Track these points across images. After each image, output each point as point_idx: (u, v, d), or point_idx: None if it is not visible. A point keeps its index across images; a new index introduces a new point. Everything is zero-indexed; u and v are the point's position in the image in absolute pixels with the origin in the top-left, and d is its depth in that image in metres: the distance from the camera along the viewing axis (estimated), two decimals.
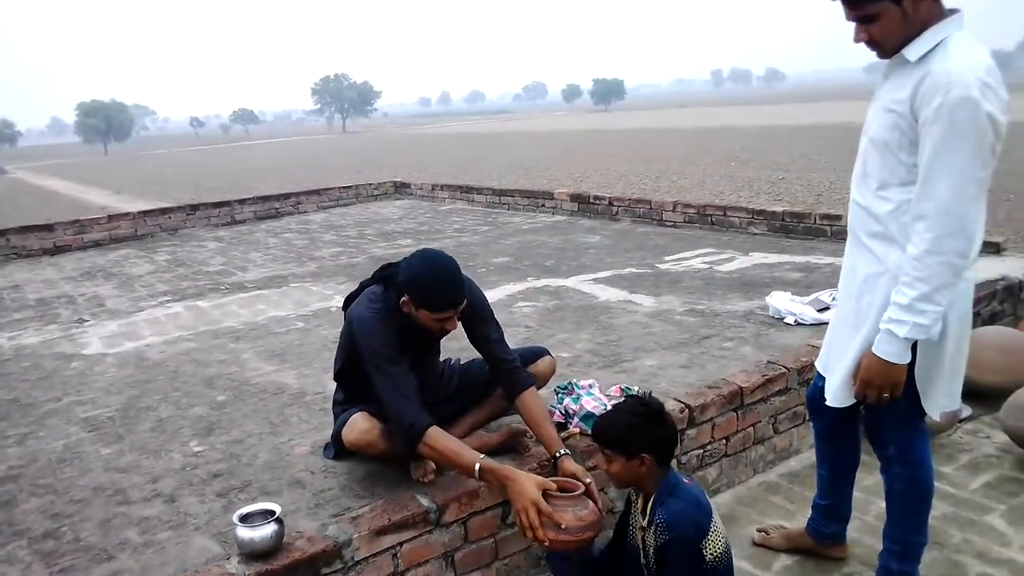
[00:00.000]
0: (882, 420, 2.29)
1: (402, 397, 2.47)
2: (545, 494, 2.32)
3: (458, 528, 2.52)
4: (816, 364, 2.51)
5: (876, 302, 2.13)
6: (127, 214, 9.86)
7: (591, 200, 8.62)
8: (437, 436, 2.43)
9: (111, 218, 9.65)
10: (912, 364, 2.13)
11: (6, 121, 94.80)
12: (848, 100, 65.51)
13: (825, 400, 2.37)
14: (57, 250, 8.94)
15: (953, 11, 2.00)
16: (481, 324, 2.76)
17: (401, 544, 2.40)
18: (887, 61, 2.11)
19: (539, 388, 2.89)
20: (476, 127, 73.22)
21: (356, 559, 2.30)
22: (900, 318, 2.01)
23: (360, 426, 2.55)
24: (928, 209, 1.95)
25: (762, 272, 5.44)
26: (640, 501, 2.34)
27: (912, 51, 1.99)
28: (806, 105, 59.20)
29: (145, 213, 9.95)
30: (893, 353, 2.05)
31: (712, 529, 2.20)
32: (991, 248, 5.21)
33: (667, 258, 6.12)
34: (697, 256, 6.11)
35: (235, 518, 2.21)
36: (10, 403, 3.86)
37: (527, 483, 2.32)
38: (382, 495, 2.57)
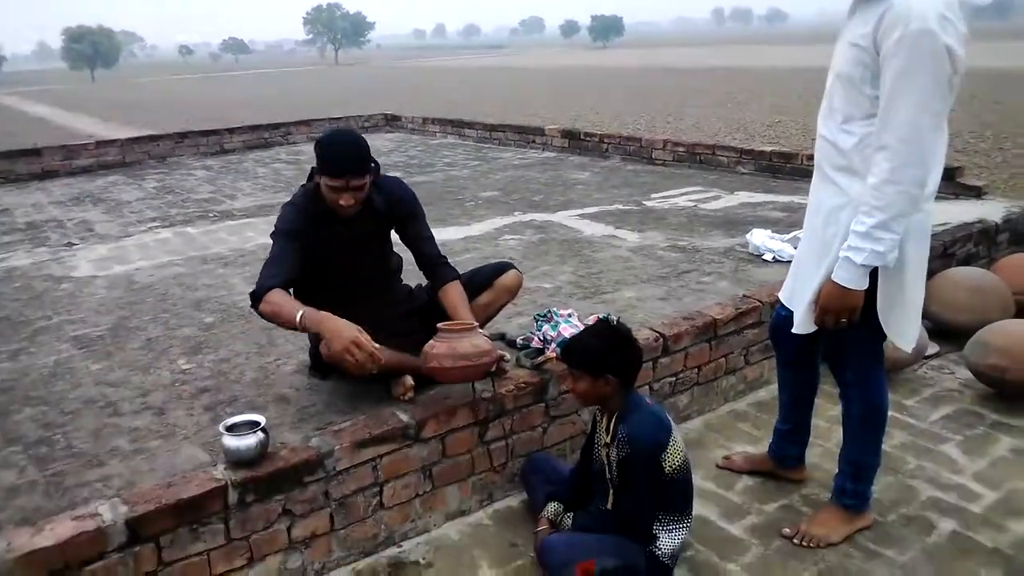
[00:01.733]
0: (843, 347, 2.40)
1: (272, 264, 2.62)
2: (439, 330, 2.53)
3: (436, 444, 2.64)
4: (780, 296, 2.60)
5: (840, 233, 2.21)
6: (115, 141, 9.79)
7: (582, 137, 8.60)
8: (277, 295, 2.53)
9: (99, 144, 9.58)
10: (874, 295, 2.23)
11: None
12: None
13: (786, 330, 2.47)
14: (45, 175, 8.90)
15: None
16: (412, 222, 2.91)
17: (381, 457, 2.51)
18: (851, 1, 2.16)
19: (504, 304, 3.08)
20: (471, 62, 71.96)
21: (338, 469, 2.42)
22: (858, 245, 2.10)
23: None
24: (888, 139, 2.02)
25: (746, 211, 5.50)
26: (604, 420, 2.46)
27: None
28: (808, 47, 58.28)
29: (133, 140, 9.88)
30: (850, 279, 2.14)
31: (671, 444, 2.32)
32: (971, 192, 5.28)
33: (654, 195, 6.17)
34: (683, 194, 6.16)
35: (221, 428, 2.32)
36: (1, 321, 3.94)
37: (340, 323, 2.43)
38: (364, 411, 2.67)
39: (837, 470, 2.60)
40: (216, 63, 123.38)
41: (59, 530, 2.04)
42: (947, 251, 4.35)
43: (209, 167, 9.13)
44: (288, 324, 2.53)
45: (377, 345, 2.43)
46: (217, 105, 28.71)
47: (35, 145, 10.09)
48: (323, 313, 2.51)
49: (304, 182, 2.81)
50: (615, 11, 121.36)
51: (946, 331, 4.01)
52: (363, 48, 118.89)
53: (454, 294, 2.85)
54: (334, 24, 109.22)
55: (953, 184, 5.34)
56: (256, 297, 2.56)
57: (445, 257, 2.97)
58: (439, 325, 2.61)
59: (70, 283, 4.59)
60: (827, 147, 2.26)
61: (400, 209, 2.86)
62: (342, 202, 2.64)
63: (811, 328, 2.36)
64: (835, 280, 2.17)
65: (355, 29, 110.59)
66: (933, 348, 3.89)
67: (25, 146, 10.14)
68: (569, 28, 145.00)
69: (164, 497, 2.17)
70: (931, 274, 4.14)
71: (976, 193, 5.26)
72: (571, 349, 2.44)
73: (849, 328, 2.24)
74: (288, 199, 2.81)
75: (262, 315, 2.58)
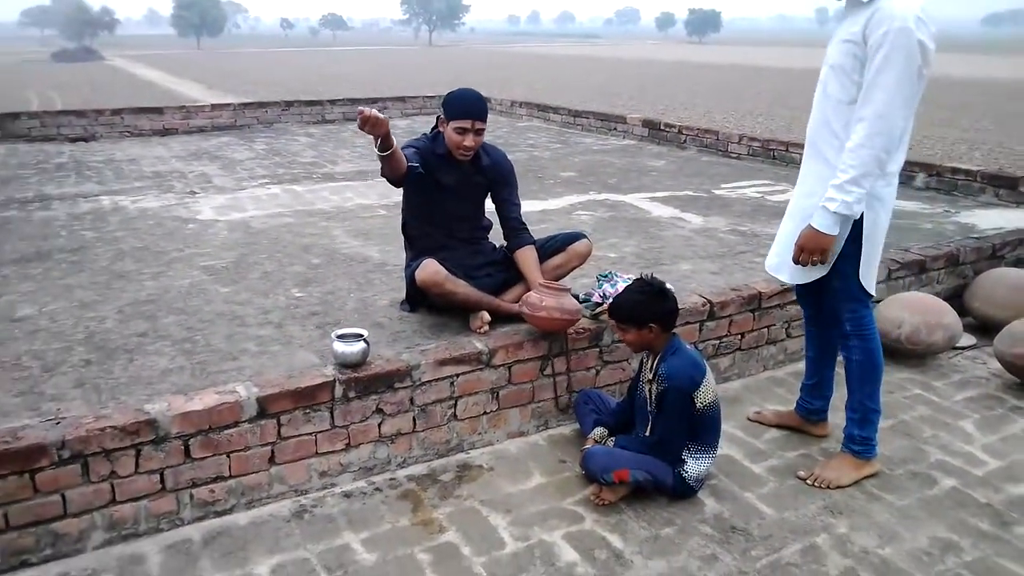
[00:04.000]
0: (837, 301, 2.84)
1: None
2: (544, 287, 3.05)
3: (504, 371, 3.12)
4: (766, 265, 3.07)
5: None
6: (228, 105, 10.63)
7: (662, 127, 8.94)
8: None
9: (214, 107, 10.43)
10: (858, 254, 2.70)
11: (106, 9, 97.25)
12: (959, 52, 61.92)
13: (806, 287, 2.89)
14: (165, 132, 9.77)
15: None
16: (505, 187, 3.44)
17: (458, 375, 3.01)
18: (842, 8, 2.64)
19: (575, 267, 3.54)
20: (564, 50, 72.09)
21: (422, 380, 2.93)
22: (833, 196, 2.56)
23: (430, 268, 3.14)
24: (867, 113, 2.49)
25: None
26: (650, 361, 2.89)
27: None
28: None
29: (244, 105, 10.70)
30: (825, 224, 2.60)
31: (704, 383, 2.74)
32: None
33: (724, 185, 6.50)
34: (752, 186, 6.48)
35: (333, 335, 2.85)
36: (142, 249, 4.61)
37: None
38: (446, 338, 3.17)
39: (845, 421, 2.97)
40: (315, 37, 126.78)
41: (206, 399, 2.61)
42: (996, 252, 4.58)
43: (311, 134, 9.83)
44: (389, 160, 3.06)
45: None
46: (315, 78, 29.86)
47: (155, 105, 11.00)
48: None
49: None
50: (713, 5, 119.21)
51: (986, 326, 4.26)
52: (457, 31, 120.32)
53: (529, 257, 3.37)
54: (430, 5, 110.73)
55: (1015, 193, 5.51)
56: None
57: (526, 225, 3.48)
58: (541, 283, 3.14)
59: (196, 224, 5.25)
60: (820, 126, 2.71)
61: (500, 172, 3.40)
62: (466, 142, 3.17)
63: (806, 277, 2.80)
64: (812, 224, 2.63)
65: (450, 11, 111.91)
66: (969, 340, 4.16)
67: (140, 105, 11.08)
68: (665, 21, 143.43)
69: (286, 384, 2.71)
70: (977, 272, 4.42)
71: None
72: (617, 307, 2.89)
73: (840, 283, 2.73)
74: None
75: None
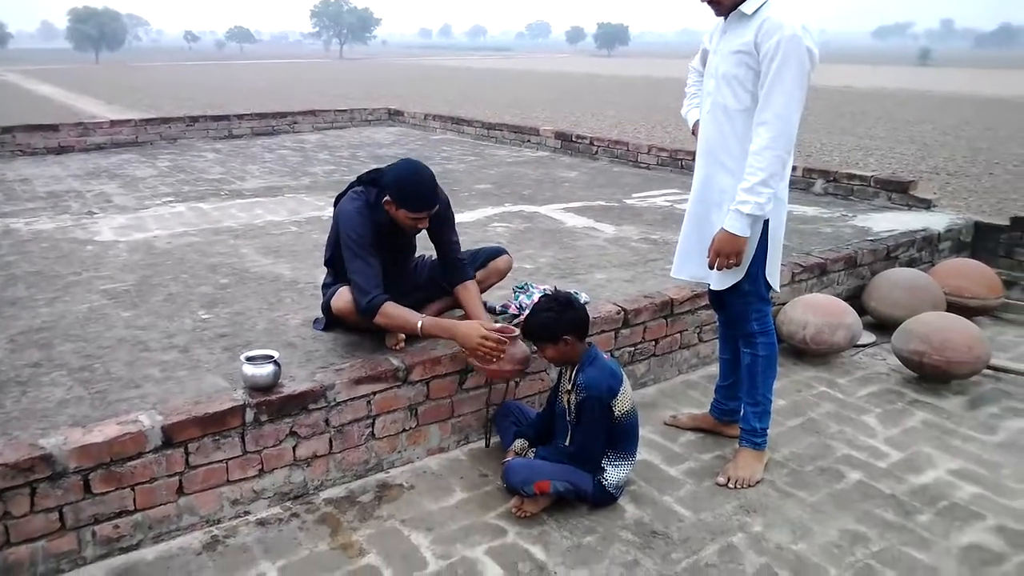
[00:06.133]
0: (747, 304, 2.93)
1: (367, 277, 3.00)
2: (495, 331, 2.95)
3: (422, 387, 3.08)
4: (674, 274, 3.15)
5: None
6: (128, 121, 10.20)
7: (574, 139, 9.06)
8: (390, 307, 2.97)
9: (113, 123, 9.99)
10: (765, 255, 2.82)
11: None
12: (852, 63, 65.37)
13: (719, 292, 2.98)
14: (61, 150, 9.30)
15: None
16: (444, 226, 3.31)
17: (375, 394, 2.95)
18: (723, 23, 2.77)
19: (494, 283, 3.51)
20: (476, 63, 72.44)
21: (338, 400, 2.86)
22: (744, 199, 2.65)
23: (346, 297, 3.07)
24: (768, 116, 2.60)
25: None
26: (568, 372, 2.91)
27: (748, 6, 2.66)
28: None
29: (146, 121, 10.29)
30: (738, 227, 2.69)
31: (621, 391, 2.77)
32: (922, 204, 5.76)
33: (634, 195, 6.63)
34: (662, 195, 6.62)
35: (242, 358, 2.75)
36: (35, 274, 4.36)
37: (469, 328, 2.91)
38: (360, 356, 3.11)
39: (742, 414, 3.08)
40: (221, 51, 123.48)
41: (106, 431, 2.48)
42: (891, 254, 4.81)
43: (218, 150, 9.54)
44: (406, 331, 3.03)
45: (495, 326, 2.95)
46: (221, 92, 29.09)
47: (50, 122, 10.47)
48: (445, 321, 2.99)
49: (355, 186, 3.18)
50: (621, 20, 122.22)
51: (884, 324, 4.47)
52: (368, 44, 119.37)
53: (472, 292, 3.28)
54: (341, 18, 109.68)
55: (906, 196, 5.82)
56: (372, 309, 2.96)
57: (465, 259, 3.36)
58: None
59: (94, 246, 5.01)
60: (716, 137, 2.81)
61: (439, 214, 3.20)
62: (420, 225, 3.09)
63: (727, 282, 2.88)
64: (726, 228, 2.72)
65: (361, 24, 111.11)
66: (869, 337, 4.36)
67: (33, 122, 10.54)
68: (575, 35, 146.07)
69: (193, 411, 2.61)
70: (874, 273, 4.63)
71: (926, 205, 5.74)
72: (530, 328, 2.89)
73: (746, 287, 2.85)
74: (348, 206, 3.09)
75: (377, 324, 3.00)
